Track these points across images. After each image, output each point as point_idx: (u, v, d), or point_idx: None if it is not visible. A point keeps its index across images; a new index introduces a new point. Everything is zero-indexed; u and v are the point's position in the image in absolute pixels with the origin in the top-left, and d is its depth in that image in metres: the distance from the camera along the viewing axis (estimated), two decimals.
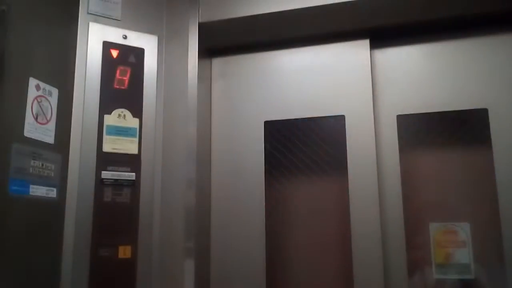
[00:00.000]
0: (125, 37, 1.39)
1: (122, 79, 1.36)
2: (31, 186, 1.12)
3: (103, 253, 1.25)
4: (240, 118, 1.56)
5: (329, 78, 1.50)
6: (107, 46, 1.36)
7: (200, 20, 1.45)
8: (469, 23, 1.41)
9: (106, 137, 1.31)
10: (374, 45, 1.49)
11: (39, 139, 1.15)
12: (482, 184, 1.36)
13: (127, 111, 1.35)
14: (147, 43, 1.42)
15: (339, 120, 1.47)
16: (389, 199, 1.40)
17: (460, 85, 1.41)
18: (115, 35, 1.38)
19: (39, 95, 1.17)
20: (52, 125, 1.21)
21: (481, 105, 1.38)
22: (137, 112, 1.36)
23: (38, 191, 1.14)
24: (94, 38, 1.35)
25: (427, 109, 1.43)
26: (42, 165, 1.16)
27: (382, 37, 1.48)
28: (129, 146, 1.34)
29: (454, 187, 1.39)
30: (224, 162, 1.55)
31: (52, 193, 1.19)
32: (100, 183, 1.28)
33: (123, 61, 1.37)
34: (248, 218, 1.48)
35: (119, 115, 1.34)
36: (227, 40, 1.56)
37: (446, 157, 1.42)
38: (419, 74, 1.45)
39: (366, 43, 1.49)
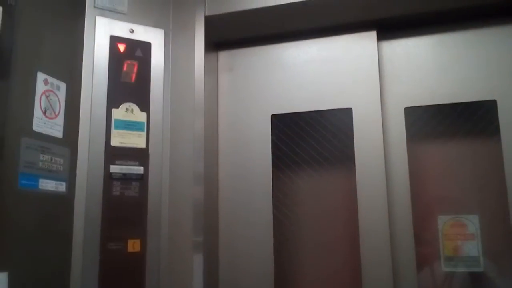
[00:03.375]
0: (132, 31, 1.39)
1: (129, 73, 1.36)
2: (40, 180, 1.12)
3: (113, 247, 1.26)
4: (247, 111, 1.56)
5: (336, 71, 1.49)
6: (114, 40, 1.36)
7: (207, 14, 1.44)
8: (478, 13, 1.39)
9: (114, 131, 1.31)
10: (381, 37, 1.48)
11: (47, 133, 1.16)
12: (491, 176, 1.36)
13: (134, 105, 1.35)
14: (154, 37, 1.42)
15: (347, 113, 1.46)
16: (397, 192, 1.39)
17: (468, 76, 1.40)
18: (122, 29, 1.38)
19: (47, 89, 1.17)
20: (60, 119, 1.21)
21: (490, 97, 1.37)
22: (144, 106, 1.36)
23: (47, 185, 1.14)
24: (101, 32, 1.35)
25: (435, 101, 1.42)
26: (51, 159, 1.16)
27: (389, 28, 1.47)
28: (137, 140, 1.34)
29: (462, 180, 1.39)
30: (232, 156, 1.54)
31: (62, 187, 1.19)
32: (109, 177, 1.28)
33: (130, 55, 1.37)
34: (255, 212, 1.48)
35: (127, 109, 1.34)
36: (233, 33, 1.55)
37: (454, 149, 1.41)
38: (427, 66, 1.44)
39: (373, 34, 1.47)
